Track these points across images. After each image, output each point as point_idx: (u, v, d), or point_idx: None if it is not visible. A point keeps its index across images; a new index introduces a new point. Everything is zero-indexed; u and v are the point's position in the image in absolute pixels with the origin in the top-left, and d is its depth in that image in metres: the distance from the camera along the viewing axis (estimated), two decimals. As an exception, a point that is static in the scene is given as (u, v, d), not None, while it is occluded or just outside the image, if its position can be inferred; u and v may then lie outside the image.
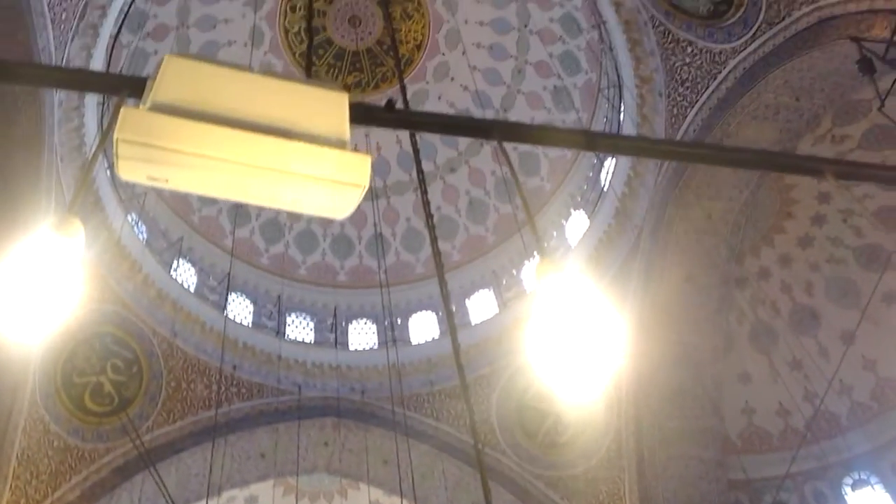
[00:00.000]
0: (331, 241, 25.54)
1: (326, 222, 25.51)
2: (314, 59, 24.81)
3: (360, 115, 3.02)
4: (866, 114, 17.81)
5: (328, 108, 2.81)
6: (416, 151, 7.64)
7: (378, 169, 25.06)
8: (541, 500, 20.26)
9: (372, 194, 24.37)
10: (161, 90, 2.68)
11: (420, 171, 7.48)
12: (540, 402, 20.89)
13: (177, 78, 2.72)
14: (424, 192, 7.19)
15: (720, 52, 16.43)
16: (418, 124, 3.80)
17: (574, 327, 3.04)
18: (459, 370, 6.18)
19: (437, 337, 22.83)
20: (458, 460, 20.80)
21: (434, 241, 6.39)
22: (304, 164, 2.74)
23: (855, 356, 20.15)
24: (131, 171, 2.72)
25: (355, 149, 2.76)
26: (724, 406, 20.70)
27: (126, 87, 2.93)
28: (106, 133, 2.60)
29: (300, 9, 24.17)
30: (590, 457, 20.15)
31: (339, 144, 2.77)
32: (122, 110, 2.59)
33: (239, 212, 24.27)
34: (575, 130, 3.53)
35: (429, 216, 6.82)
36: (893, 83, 12.80)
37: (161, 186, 2.82)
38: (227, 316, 22.06)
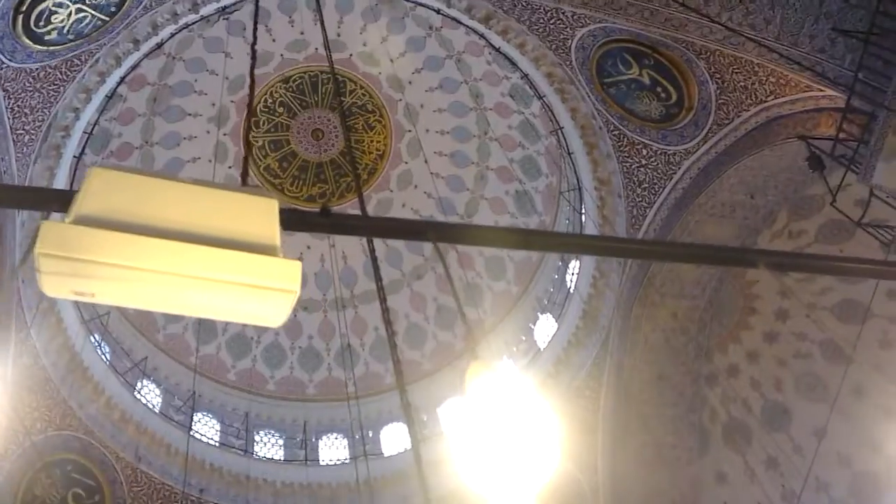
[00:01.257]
0: (299, 354, 25.25)
1: (294, 335, 25.27)
2: (280, 173, 25.10)
3: (294, 220, 3.00)
4: (820, 209, 18.22)
5: (258, 214, 2.79)
6: (373, 258, 7.64)
7: (345, 279, 25.05)
8: None
9: (338, 304, 24.27)
10: (85, 202, 2.64)
11: (378, 278, 7.46)
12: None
13: (103, 189, 2.69)
14: (383, 300, 7.15)
15: (674, 154, 16.86)
16: (353, 228, 3.78)
17: (507, 428, 2.95)
18: (422, 481, 6.01)
19: (409, 448, 22.36)
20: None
21: (393, 347, 6.31)
22: (235, 272, 2.69)
23: (829, 452, 19.97)
24: (55, 286, 2.65)
25: (301, 253, 2.73)
26: (702, 507, 20.33)
27: (55, 201, 2.89)
28: (28, 250, 2.54)
29: (264, 124, 24.60)
30: (570, 568, 19.52)
31: (270, 251, 2.74)
32: (42, 224, 2.54)
33: (204, 328, 23.99)
34: (510, 229, 3.55)
35: (387, 323, 6.77)
36: (843, 178, 13.14)
37: (88, 300, 2.74)
38: (192, 436, 21.48)
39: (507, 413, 2.98)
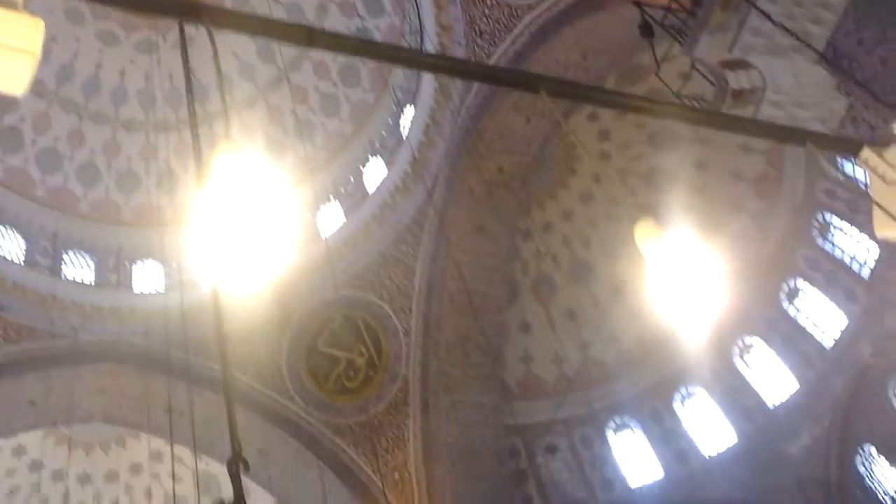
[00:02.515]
0: (116, 176, 24.07)
1: (112, 154, 23.97)
2: None
3: None
4: (646, 77, 18.81)
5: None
6: (187, 79, 7.21)
7: (172, 103, 23.77)
8: (327, 447, 20.31)
9: (163, 126, 23.16)
10: None
11: (189, 91, 7.07)
12: (331, 347, 20.88)
13: None
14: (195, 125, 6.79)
15: (517, 7, 16.78)
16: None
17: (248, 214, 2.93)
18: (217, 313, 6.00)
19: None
20: (243, 407, 20.40)
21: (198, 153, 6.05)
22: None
23: (624, 307, 21.53)
24: None
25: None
26: (505, 354, 21.57)
27: None
28: None
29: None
30: (377, 402, 20.40)
31: (10, 4, 2.48)
32: None
33: (9, 136, 22.33)
34: (296, 25, 3.37)
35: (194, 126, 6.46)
36: (668, 48, 13.55)
37: None
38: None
39: (249, 199, 2.94)
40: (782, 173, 19.69)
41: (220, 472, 20.37)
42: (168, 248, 22.21)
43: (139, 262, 23.53)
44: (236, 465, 2.58)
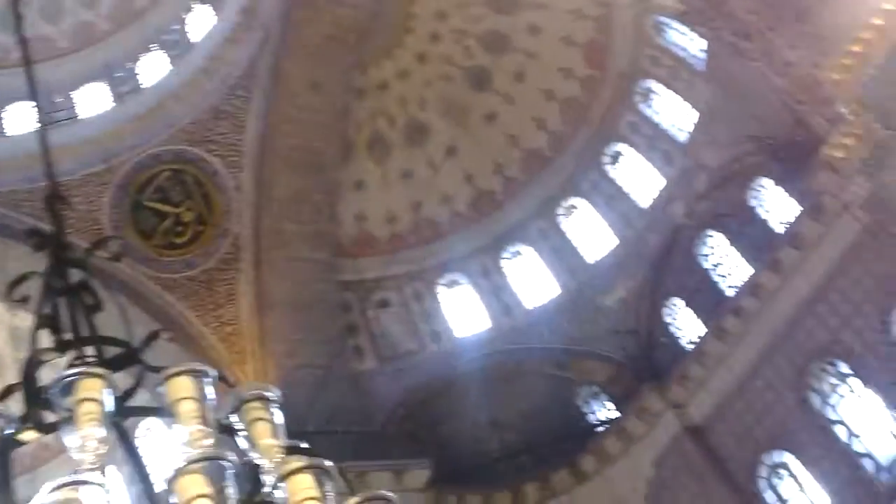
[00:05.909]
0: None
1: None
2: None
3: None
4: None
5: None
6: None
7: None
8: (156, 303, 19.79)
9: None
10: None
11: None
12: (158, 202, 20.08)
13: None
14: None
15: None
16: None
17: None
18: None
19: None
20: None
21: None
22: None
23: (457, 169, 21.91)
24: None
25: None
26: (339, 212, 21.56)
27: None
28: None
29: None
30: (207, 257, 19.98)
31: None
32: None
33: None
34: None
35: None
36: None
37: None
38: None
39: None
40: (611, 39, 20.23)
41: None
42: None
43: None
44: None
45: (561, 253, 21.39)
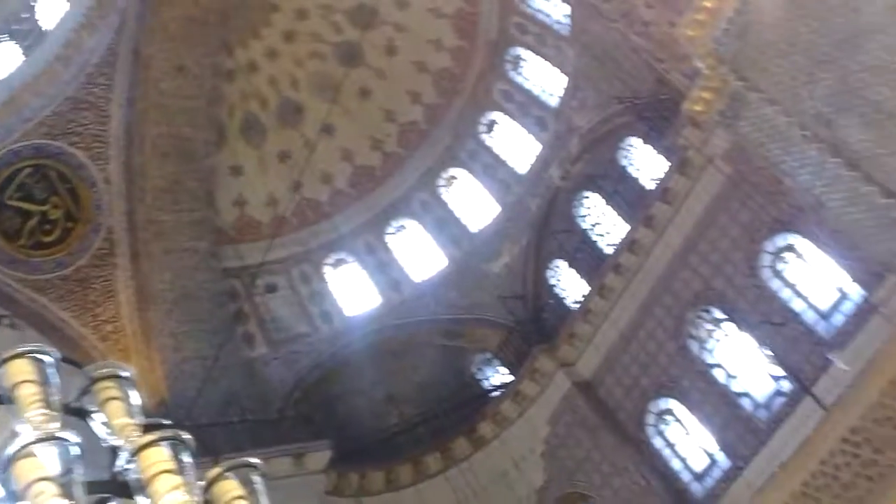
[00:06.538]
0: None
1: None
2: None
3: None
4: None
5: None
6: None
7: None
8: (29, 308, 18.89)
9: None
10: None
11: None
12: (21, 200, 19.08)
13: None
14: None
15: None
16: None
17: None
18: None
19: None
20: None
21: None
22: None
23: (335, 147, 21.71)
24: None
25: None
26: (217, 198, 21.07)
27: None
28: None
29: None
30: (80, 255, 19.19)
31: None
32: None
33: None
34: None
35: None
36: None
37: None
38: None
39: None
40: (478, 9, 20.37)
41: None
42: None
43: None
44: None
45: (445, 224, 21.54)
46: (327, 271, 21.88)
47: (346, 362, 20.82)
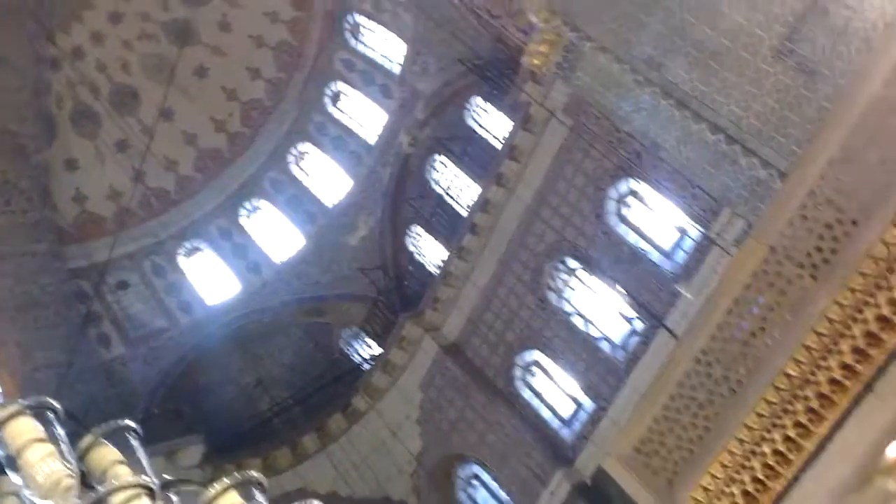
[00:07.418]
0: None
1: None
2: None
3: None
4: None
5: None
6: None
7: None
8: None
9: None
10: None
11: None
12: None
13: None
14: None
15: None
16: None
17: None
18: None
19: None
20: None
21: None
22: None
23: (176, 132, 20.91)
24: None
25: None
26: (54, 196, 19.95)
27: None
28: None
29: None
30: None
31: None
32: None
33: None
34: None
35: None
36: None
37: None
38: None
39: None
40: (312, -21, 19.97)
41: None
42: None
43: None
44: None
45: (299, 201, 21.16)
46: (181, 261, 21.14)
47: (210, 352, 20.22)
